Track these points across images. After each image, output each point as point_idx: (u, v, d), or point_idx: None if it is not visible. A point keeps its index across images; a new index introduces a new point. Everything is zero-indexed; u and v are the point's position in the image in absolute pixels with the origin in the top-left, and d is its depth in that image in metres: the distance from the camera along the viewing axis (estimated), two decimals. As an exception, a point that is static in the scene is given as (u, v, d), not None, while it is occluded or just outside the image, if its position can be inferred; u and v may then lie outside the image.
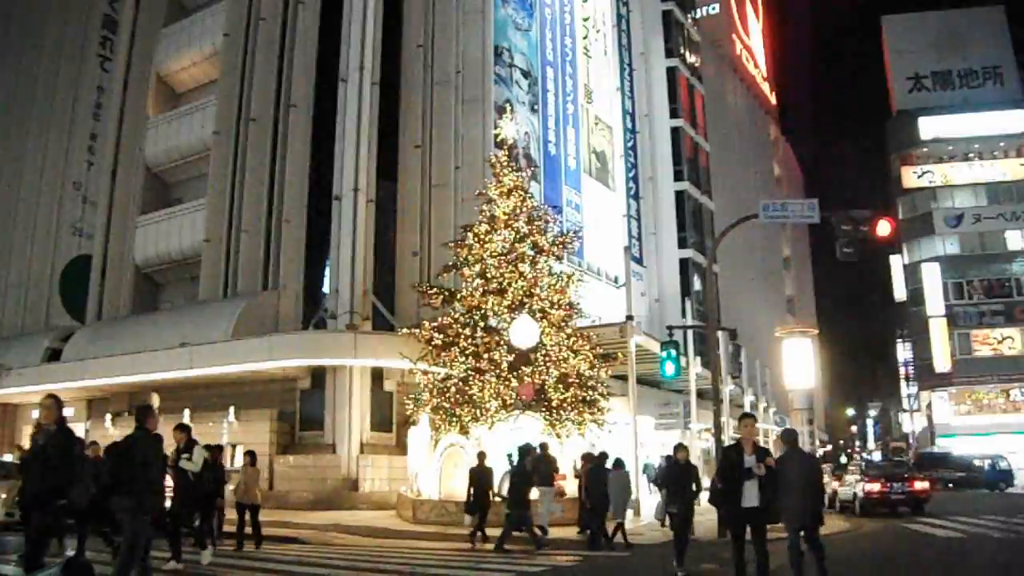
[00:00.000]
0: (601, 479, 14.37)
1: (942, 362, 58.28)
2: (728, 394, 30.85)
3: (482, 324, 19.21)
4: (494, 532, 13.81)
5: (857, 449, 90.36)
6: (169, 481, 9.92)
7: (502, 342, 18.87)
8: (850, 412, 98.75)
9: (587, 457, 15.73)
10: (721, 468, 9.14)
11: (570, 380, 19.06)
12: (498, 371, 18.59)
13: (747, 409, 36.89)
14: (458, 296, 19.90)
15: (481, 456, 15.27)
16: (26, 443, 12.25)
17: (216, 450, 12.66)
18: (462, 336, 19.14)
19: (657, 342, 24.44)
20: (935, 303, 59.39)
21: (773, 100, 75.19)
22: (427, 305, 21.28)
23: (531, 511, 14.15)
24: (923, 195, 62.00)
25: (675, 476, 11.85)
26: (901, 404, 75.43)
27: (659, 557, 12.96)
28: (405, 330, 20.66)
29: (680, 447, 12.09)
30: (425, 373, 19.58)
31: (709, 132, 45.63)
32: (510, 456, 17.65)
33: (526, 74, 31.28)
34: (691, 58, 44.73)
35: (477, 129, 27.33)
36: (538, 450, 15.62)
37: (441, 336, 19.44)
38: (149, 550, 8.05)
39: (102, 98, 34.28)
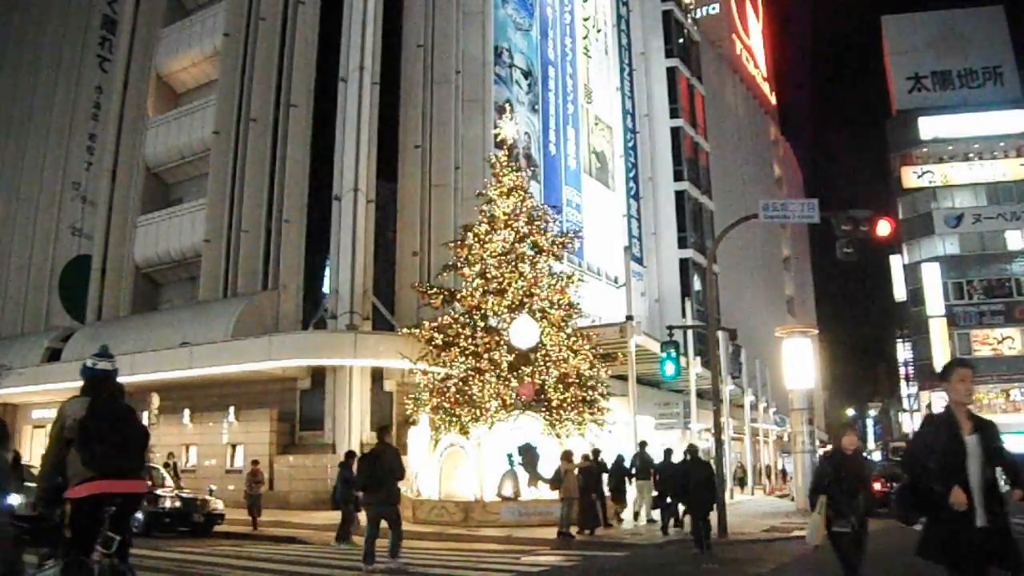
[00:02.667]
0: (596, 478, 14.57)
1: (942, 362, 58.10)
2: (728, 394, 30.85)
3: (482, 324, 19.21)
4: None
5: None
6: None
7: (502, 342, 18.86)
8: (850, 412, 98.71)
9: (568, 456, 15.72)
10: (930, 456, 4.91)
11: (570, 380, 19.04)
12: (498, 371, 18.58)
13: (747, 409, 36.88)
14: (458, 296, 19.90)
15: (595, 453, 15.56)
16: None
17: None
18: (462, 336, 19.13)
19: (657, 342, 24.44)
20: (935, 303, 59.41)
21: (773, 100, 75.17)
22: (427, 305, 21.28)
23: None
24: (923, 195, 62.01)
25: (841, 474, 7.31)
26: (901, 404, 75.41)
27: (659, 557, 12.97)
28: (405, 330, 20.66)
29: (846, 426, 8.35)
30: (425, 373, 19.57)
31: (709, 132, 45.62)
32: (510, 456, 17.71)
33: (526, 74, 31.29)
34: (691, 58, 44.71)
35: (477, 129, 27.34)
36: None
37: (441, 336, 19.44)
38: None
39: (101, 98, 34.29)
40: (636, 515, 18.42)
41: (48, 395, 29.19)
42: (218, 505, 16.40)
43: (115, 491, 5.15)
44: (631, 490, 18.18)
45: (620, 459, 18.07)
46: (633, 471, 17.94)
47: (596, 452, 17.49)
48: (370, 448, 10.86)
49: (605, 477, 17.36)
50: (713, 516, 13.70)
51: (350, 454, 15.04)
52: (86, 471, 5.06)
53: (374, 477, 10.22)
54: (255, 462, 18.48)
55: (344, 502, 14.31)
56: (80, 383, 5.71)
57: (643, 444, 18.70)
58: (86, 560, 5.34)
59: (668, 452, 16.98)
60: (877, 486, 22.15)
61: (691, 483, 13.36)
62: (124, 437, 5.39)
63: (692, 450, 14.47)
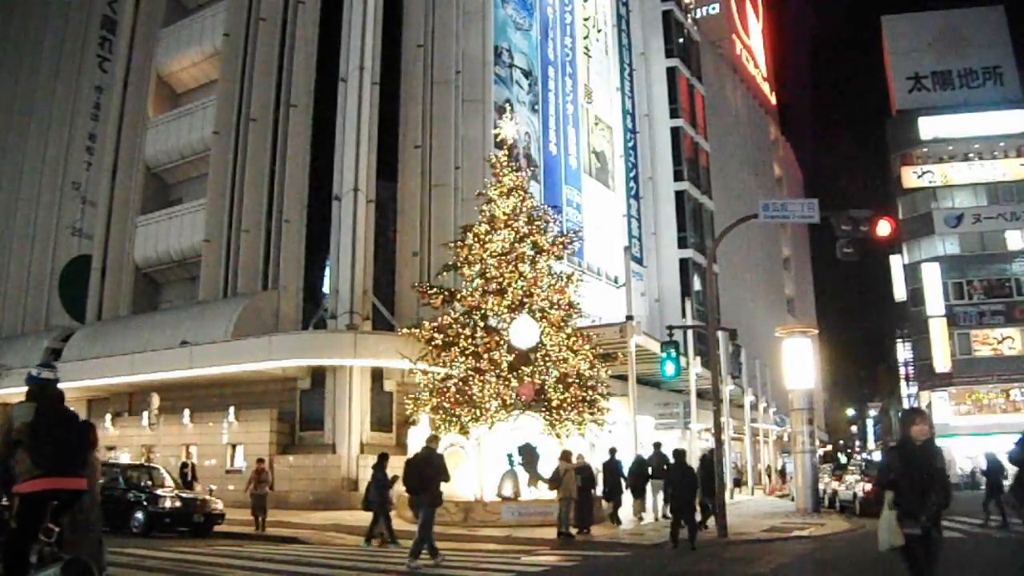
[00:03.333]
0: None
1: (942, 362, 58.26)
2: (728, 394, 30.86)
3: (482, 324, 19.21)
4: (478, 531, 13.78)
5: (857, 449, 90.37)
6: None
7: (502, 342, 18.86)
8: (850, 412, 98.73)
9: (567, 456, 15.89)
10: None
11: (570, 380, 19.05)
12: (498, 371, 18.58)
13: (747, 409, 36.89)
14: (458, 296, 19.90)
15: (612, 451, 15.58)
16: None
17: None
18: (462, 336, 19.13)
19: (657, 342, 24.44)
20: (935, 303, 59.37)
21: (773, 100, 75.18)
22: (427, 305, 21.27)
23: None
24: (923, 195, 61.95)
25: (909, 468, 6.41)
26: (901, 404, 75.40)
27: (658, 557, 12.97)
28: (405, 330, 20.65)
29: (916, 413, 7.02)
30: (425, 373, 19.57)
31: (709, 132, 45.62)
32: (510, 456, 17.74)
33: (526, 74, 31.29)
34: (691, 58, 44.70)
35: (477, 129, 27.33)
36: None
37: (441, 336, 19.44)
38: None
39: (101, 99, 34.31)
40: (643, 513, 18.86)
41: (48, 395, 29.19)
42: (218, 505, 16.40)
43: (60, 487, 5.84)
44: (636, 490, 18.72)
45: (640, 459, 18.75)
46: (650, 471, 18.60)
47: (613, 451, 18.51)
48: (417, 453, 12.10)
49: (601, 477, 18.03)
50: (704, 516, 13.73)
51: (383, 456, 15.13)
52: (34, 469, 5.74)
53: (424, 480, 11.19)
54: (260, 460, 18.21)
55: (378, 503, 14.36)
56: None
57: (658, 445, 19.26)
58: (86, 560, 5.50)
59: (679, 453, 17.05)
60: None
61: (675, 485, 13.94)
62: (67, 439, 6.07)
63: (678, 454, 14.92)
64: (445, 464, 11.59)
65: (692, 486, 13.98)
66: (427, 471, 11.24)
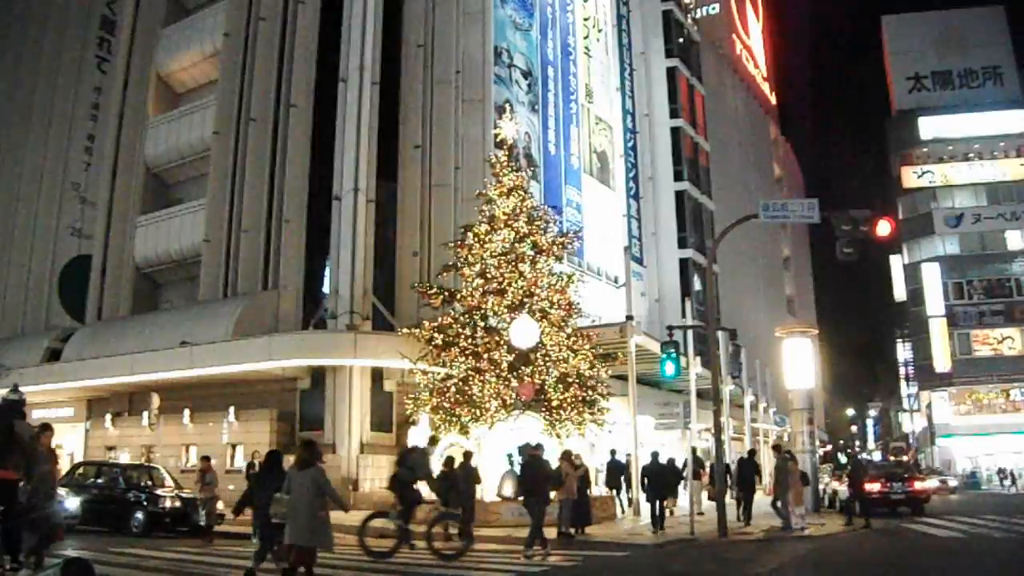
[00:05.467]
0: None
1: (942, 362, 58.29)
2: (728, 394, 30.84)
3: (482, 324, 19.21)
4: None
5: (857, 449, 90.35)
6: None
7: (502, 342, 18.87)
8: (850, 412, 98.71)
9: (567, 456, 16.05)
10: None
11: (570, 380, 19.06)
12: (498, 371, 18.59)
13: (747, 409, 36.87)
14: (458, 296, 19.90)
15: (467, 455, 15.32)
16: None
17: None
18: (462, 336, 19.14)
19: (657, 342, 24.41)
20: (935, 303, 59.40)
21: (773, 100, 75.14)
22: (427, 305, 21.28)
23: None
24: (923, 195, 61.99)
25: None
26: (901, 404, 75.45)
27: (658, 556, 12.97)
28: (405, 330, 20.66)
29: None
30: (425, 373, 19.58)
31: (709, 132, 45.58)
32: (510, 456, 17.73)
33: (526, 74, 31.27)
34: (691, 58, 44.67)
35: (477, 129, 27.31)
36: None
37: (441, 336, 19.44)
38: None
39: (100, 99, 34.30)
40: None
41: (48, 395, 29.18)
42: (218, 505, 16.39)
43: None
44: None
45: (672, 461, 19.96)
46: (685, 472, 20.50)
47: (613, 452, 20.26)
48: (526, 459, 13.85)
49: (600, 476, 18.73)
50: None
51: (449, 460, 15.29)
52: None
53: (536, 483, 13.08)
54: (205, 459, 16.74)
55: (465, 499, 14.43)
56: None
57: (694, 449, 21.64)
58: (86, 560, 5.55)
59: (695, 449, 18.96)
60: (877, 486, 22.26)
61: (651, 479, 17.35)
62: None
63: (655, 454, 17.80)
64: (551, 469, 13.79)
65: (666, 479, 17.53)
66: (538, 476, 13.15)
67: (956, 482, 41.56)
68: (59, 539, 10.00)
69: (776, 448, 19.65)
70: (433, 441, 15.76)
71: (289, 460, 9.37)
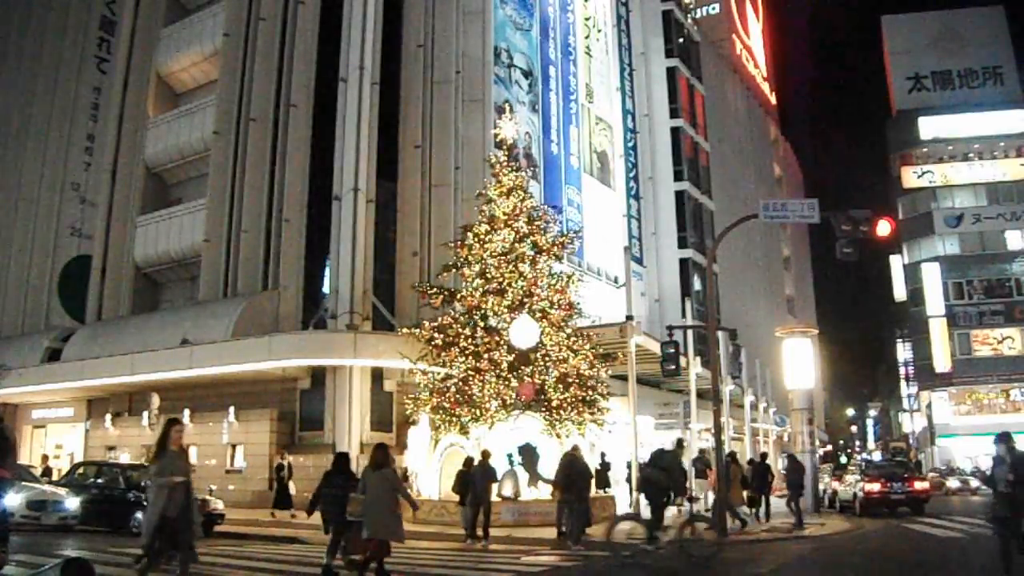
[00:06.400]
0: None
1: (942, 362, 58.28)
2: (728, 394, 30.82)
3: (482, 324, 19.22)
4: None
5: (857, 449, 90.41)
6: None
7: (502, 342, 18.87)
8: (850, 412, 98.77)
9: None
10: None
11: (570, 380, 19.06)
12: (498, 371, 18.59)
13: (747, 409, 36.88)
14: (458, 296, 19.91)
15: (485, 455, 15.36)
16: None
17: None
18: (462, 336, 19.14)
19: (657, 342, 24.42)
20: (935, 303, 59.39)
21: (773, 100, 75.13)
22: (427, 305, 21.28)
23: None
24: (923, 195, 61.98)
25: None
26: (901, 404, 75.46)
27: (657, 556, 12.95)
28: (405, 330, 20.66)
29: None
30: (425, 373, 19.58)
31: (709, 132, 45.57)
32: (510, 456, 17.73)
33: (526, 74, 31.27)
34: (691, 58, 44.67)
35: (477, 129, 27.32)
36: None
37: (441, 336, 19.45)
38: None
39: (100, 99, 34.29)
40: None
41: (48, 395, 29.21)
42: (218, 505, 16.40)
43: None
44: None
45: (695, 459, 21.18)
46: (694, 472, 20.54)
47: (603, 454, 20.08)
48: (568, 458, 14.64)
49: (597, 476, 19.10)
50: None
51: (470, 460, 15.48)
52: None
53: (570, 479, 13.80)
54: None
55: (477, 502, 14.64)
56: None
57: (703, 451, 22.40)
58: (86, 560, 5.49)
59: (701, 451, 19.11)
60: (877, 486, 22.28)
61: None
62: None
63: (602, 454, 18.78)
64: (588, 468, 14.81)
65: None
66: (572, 473, 13.92)
67: (976, 482, 40.91)
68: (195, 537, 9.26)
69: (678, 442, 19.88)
70: (680, 444, 15.37)
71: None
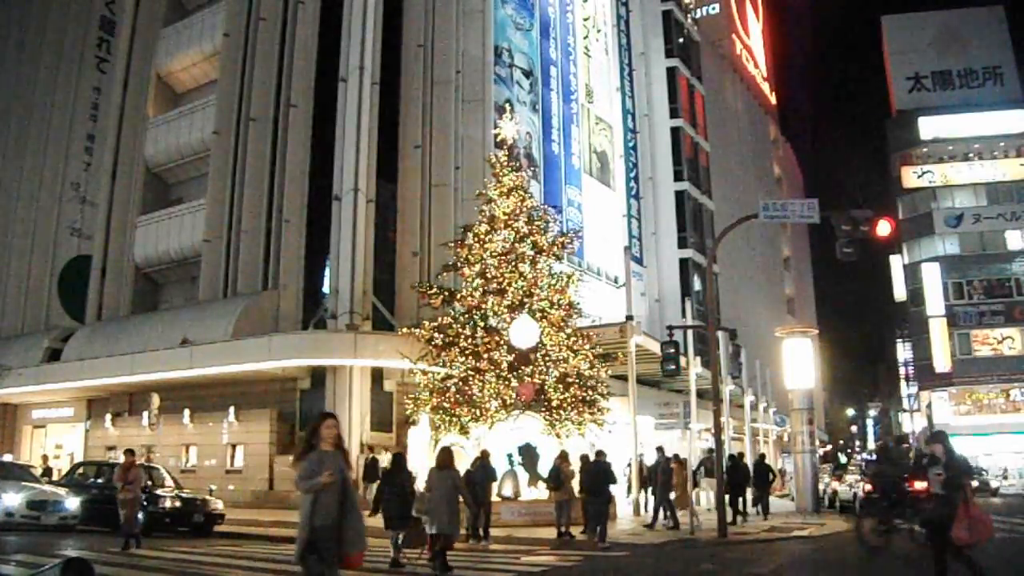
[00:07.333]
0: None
1: (942, 362, 58.24)
2: (728, 394, 30.83)
3: (482, 324, 19.21)
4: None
5: (857, 449, 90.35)
6: None
7: (502, 342, 18.87)
8: (850, 412, 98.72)
9: (565, 456, 16.19)
10: None
11: (570, 380, 19.06)
12: (498, 371, 18.59)
13: (747, 409, 36.89)
14: (458, 296, 19.90)
15: (484, 454, 15.35)
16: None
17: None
18: (462, 336, 19.14)
19: (657, 342, 24.42)
20: (935, 303, 59.34)
21: (773, 100, 75.09)
22: (427, 305, 21.28)
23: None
24: (923, 195, 61.92)
25: None
26: (901, 404, 75.37)
27: (658, 557, 12.97)
28: (405, 330, 20.66)
29: None
30: (425, 373, 19.57)
31: (709, 132, 45.56)
32: (510, 456, 17.74)
33: (527, 74, 31.27)
34: (691, 58, 44.66)
35: (477, 129, 27.32)
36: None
37: (441, 336, 19.44)
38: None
39: (100, 99, 34.28)
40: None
41: (48, 395, 29.20)
42: (218, 505, 16.42)
43: None
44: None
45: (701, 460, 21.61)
46: (703, 471, 21.40)
47: (601, 453, 18.74)
48: (592, 463, 15.07)
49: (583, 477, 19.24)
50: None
51: (476, 460, 15.42)
52: None
53: (594, 483, 14.37)
54: (129, 452, 14.49)
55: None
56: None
57: (711, 451, 22.19)
58: (86, 560, 5.47)
59: (709, 450, 19.32)
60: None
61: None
62: None
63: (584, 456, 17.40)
64: (612, 471, 15.06)
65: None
66: (604, 477, 14.48)
67: (996, 483, 40.59)
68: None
69: (659, 450, 19.16)
70: (902, 440, 15.95)
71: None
